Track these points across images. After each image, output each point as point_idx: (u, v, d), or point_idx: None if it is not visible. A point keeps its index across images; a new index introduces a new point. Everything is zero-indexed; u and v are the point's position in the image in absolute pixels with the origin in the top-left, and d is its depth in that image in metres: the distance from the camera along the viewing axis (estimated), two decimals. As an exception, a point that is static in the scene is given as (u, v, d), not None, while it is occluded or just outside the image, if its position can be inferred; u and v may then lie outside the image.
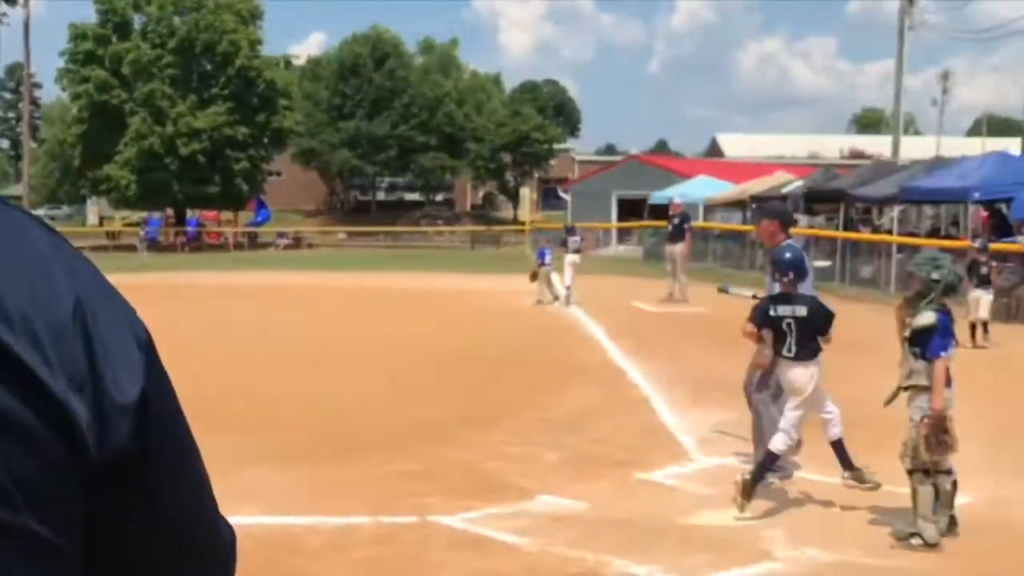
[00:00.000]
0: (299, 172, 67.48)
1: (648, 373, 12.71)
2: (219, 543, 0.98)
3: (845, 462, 7.09)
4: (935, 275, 6.57)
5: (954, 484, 6.43)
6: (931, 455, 6.32)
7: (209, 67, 51.25)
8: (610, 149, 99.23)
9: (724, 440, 9.28)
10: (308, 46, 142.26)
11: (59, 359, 0.82)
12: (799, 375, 7.11)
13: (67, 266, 0.88)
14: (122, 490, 0.86)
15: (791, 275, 7.28)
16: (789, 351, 7.10)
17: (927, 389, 6.39)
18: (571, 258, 23.10)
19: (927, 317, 6.48)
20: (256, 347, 14.92)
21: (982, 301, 14.96)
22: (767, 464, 7.14)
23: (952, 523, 6.46)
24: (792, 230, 28.57)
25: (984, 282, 15.18)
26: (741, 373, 12.53)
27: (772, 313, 7.18)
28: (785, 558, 6.18)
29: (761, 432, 7.88)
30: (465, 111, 66.60)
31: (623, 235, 45.43)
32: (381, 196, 73.66)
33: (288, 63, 58.52)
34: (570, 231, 24.17)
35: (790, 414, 7.11)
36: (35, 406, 0.80)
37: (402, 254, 43.07)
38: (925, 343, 6.44)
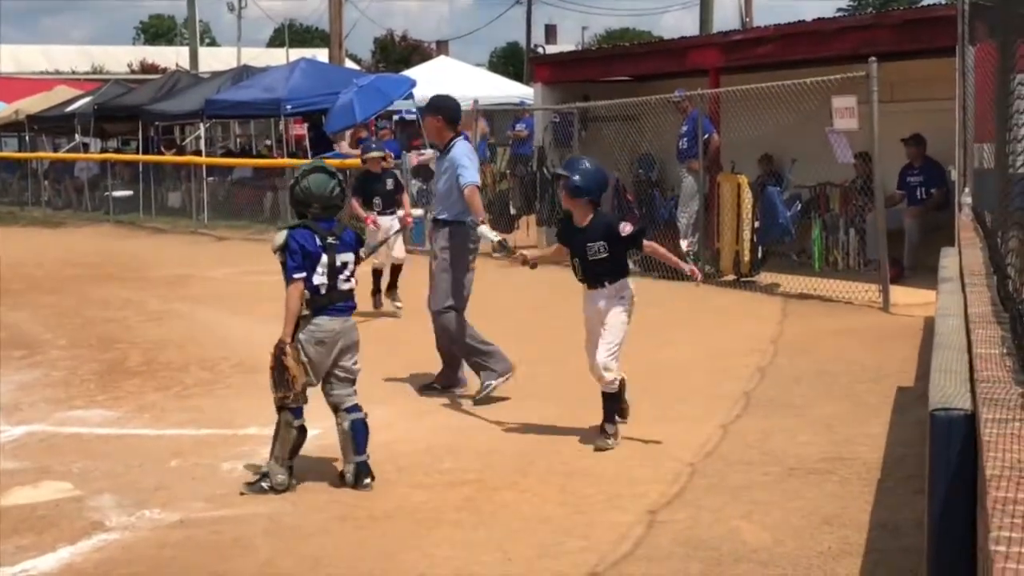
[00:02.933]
0: None
1: (-82, 337, 11.76)
2: None
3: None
4: (294, 185, 6.74)
5: (300, 429, 6.58)
6: (274, 392, 6.52)
7: None
8: None
9: (32, 404, 8.90)
10: None
11: None
12: None
13: None
14: None
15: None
16: None
17: (306, 317, 6.53)
18: None
19: (279, 236, 6.60)
20: None
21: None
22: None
23: (290, 474, 6.59)
24: (84, 155, 27.52)
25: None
26: (36, 326, 12.22)
27: None
28: (121, 525, 6.10)
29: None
30: None
31: None
32: None
33: None
34: None
35: None
36: None
37: None
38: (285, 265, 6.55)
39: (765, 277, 13.31)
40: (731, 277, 13.63)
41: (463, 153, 8.78)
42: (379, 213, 12.38)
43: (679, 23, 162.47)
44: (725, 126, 14.56)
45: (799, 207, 13.65)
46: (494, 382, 8.60)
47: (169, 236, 22.49)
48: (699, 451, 7.10)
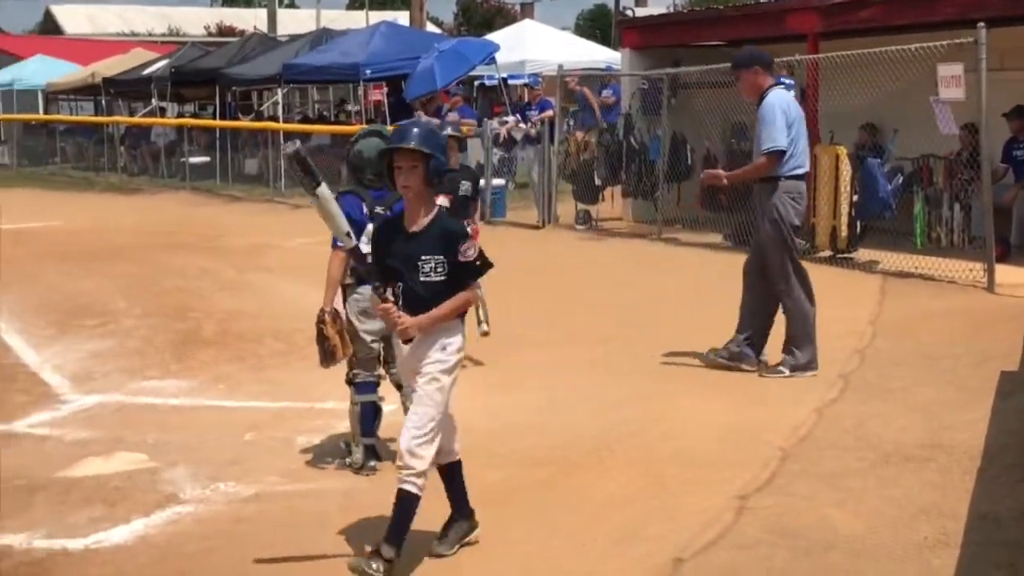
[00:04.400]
0: None
1: (-8, 303, 12.05)
2: None
3: None
4: (349, 149, 6.81)
5: (368, 408, 6.63)
6: (321, 365, 6.53)
7: None
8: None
9: (105, 374, 9.08)
10: None
11: None
12: None
13: None
14: None
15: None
16: None
17: (350, 286, 6.59)
18: None
19: None
20: None
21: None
22: None
23: (371, 453, 6.64)
24: (161, 120, 27.51)
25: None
26: (110, 294, 12.44)
27: None
28: (195, 498, 6.22)
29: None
30: None
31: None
32: None
33: None
34: None
35: None
36: None
37: None
38: None
39: (863, 254, 13.10)
40: (827, 253, 13.45)
41: (770, 106, 8.42)
42: None
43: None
44: (824, 94, 14.33)
45: (900, 180, 13.41)
46: (787, 371, 8.44)
47: (245, 204, 22.72)
48: (792, 435, 7.04)
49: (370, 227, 6.53)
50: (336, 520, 5.88)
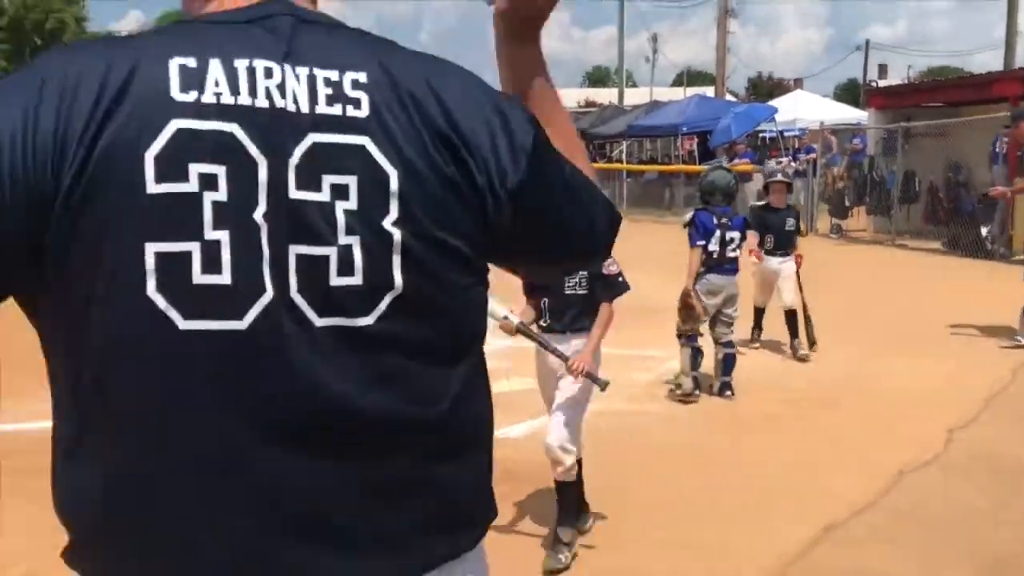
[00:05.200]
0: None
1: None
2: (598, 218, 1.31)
3: None
4: (702, 180, 6.78)
5: (695, 351, 6.56)
6: (681, 324, 6.55)
7: (40, 43, 46.91)
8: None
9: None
10: (127, 23, 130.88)
11: (481, 146, 1.13)
12: None
13: (476, 83, 1.18)
14: (527, 206, 1.17)
15: None
16: None
17: (701, 273, 6.56)
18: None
19: (687, 215, 6.74)
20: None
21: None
22: None
23: (695, 383, 6.59)
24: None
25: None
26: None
27: None
28: (561, 411, 6.37)
29: None
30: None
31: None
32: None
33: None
34: None
35: None
36: (465, 175, 1.12)
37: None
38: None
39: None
40: (1022, 257, 12.26)
41: None
42: (768, 252, 7.79)
43: (988, 61, 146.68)
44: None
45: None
46: (1022, 340, 7.76)
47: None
48: (991, 388, 6.50)
49: (718, 233, 6.52)
50: (655, 431, 5.91)
